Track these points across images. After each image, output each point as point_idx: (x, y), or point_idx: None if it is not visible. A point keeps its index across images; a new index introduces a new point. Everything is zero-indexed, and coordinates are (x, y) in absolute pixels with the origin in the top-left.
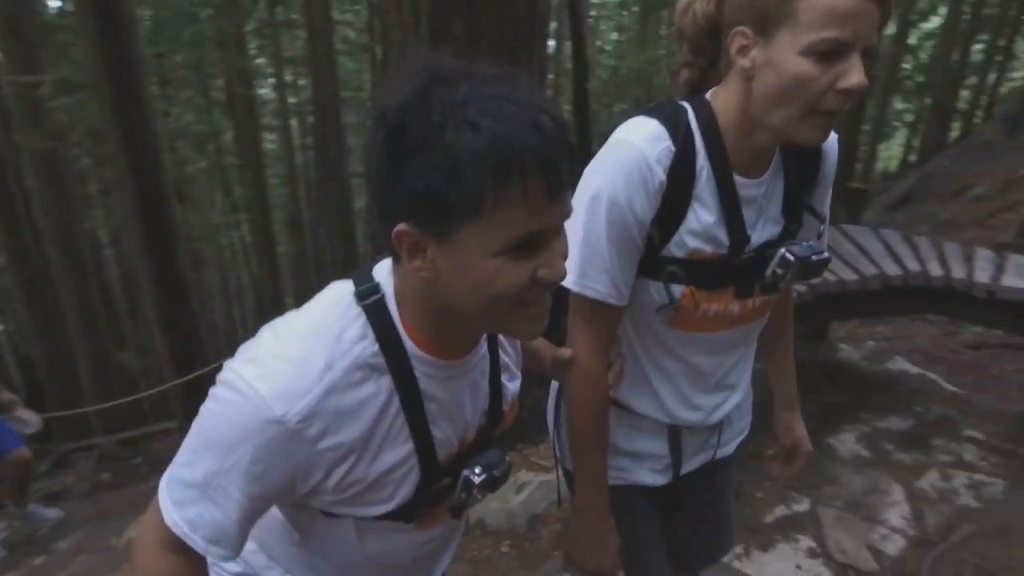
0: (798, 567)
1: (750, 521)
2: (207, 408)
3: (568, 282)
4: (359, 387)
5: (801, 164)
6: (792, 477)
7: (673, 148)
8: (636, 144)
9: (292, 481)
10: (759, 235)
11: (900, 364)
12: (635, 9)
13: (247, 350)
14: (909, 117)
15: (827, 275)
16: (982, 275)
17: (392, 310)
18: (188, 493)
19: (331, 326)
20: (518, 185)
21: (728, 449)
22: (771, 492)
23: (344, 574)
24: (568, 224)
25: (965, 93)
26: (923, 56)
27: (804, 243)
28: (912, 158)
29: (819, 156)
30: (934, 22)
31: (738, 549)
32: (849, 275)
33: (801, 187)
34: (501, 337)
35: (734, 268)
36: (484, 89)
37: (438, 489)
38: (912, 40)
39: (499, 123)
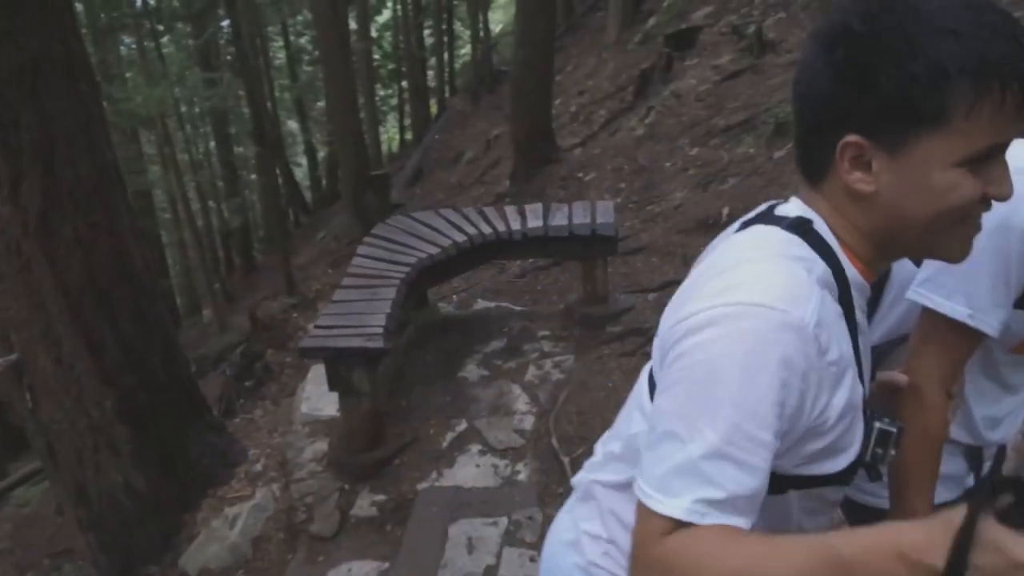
0: (477, 466)
1: (433, 450)
2: (691, 364)
3: (956, 311)
4: (830, 304)
5: None
6: None
7: None
8: None
9: (803, 412)
10: None
11: (481, 304)
12: None
13: (708, 293)
14: (393, 101)
15: (418, 252)
16: (515, 224)
17: (829, 237)
18: (693, 475)
19: (784, 251)
20: (997, 95)
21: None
22: (438, 426)
23: None
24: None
25: (431, 73)
26: (386, 46)
27: None
28: (408, 136)
29: None
30: (386, 15)
31: (432, 473)
32: (434, 249)
33: None
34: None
35: None
36: (966, 5)
37: (871, 446)
38: (374, 33)
39: (981, 31)
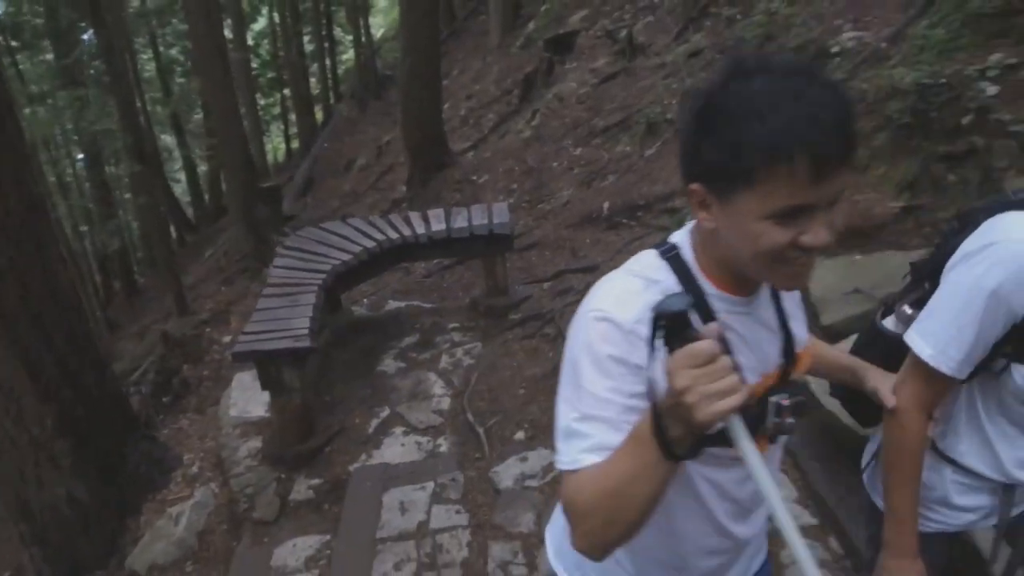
0: (402, 444)
1: (360, 437)
2: (565, 358)
3: (924, 351)
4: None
5: None
6: None
7: None
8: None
9: (634, 387)
10: None
11: (393, 304)
12: None
13: (594, 297)
14: (276, 110)
15: (332, 259)
16: (420, 228)
17: (689, 259)
18: (571, 436)
19: (635, 269)
20: (785, 168)
21: None
22: (363, 415)
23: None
24: (943, 292)
25: (314, 80)
26: (263, 54)
27: None
28: (295, 145)
29: None
30: (261, 22)
31: (362, 456)
32: (346, 256)
33: None
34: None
35: None
36: (777, 84)
37: (751, 415)
38: (250, 41)
39: (780, 116)
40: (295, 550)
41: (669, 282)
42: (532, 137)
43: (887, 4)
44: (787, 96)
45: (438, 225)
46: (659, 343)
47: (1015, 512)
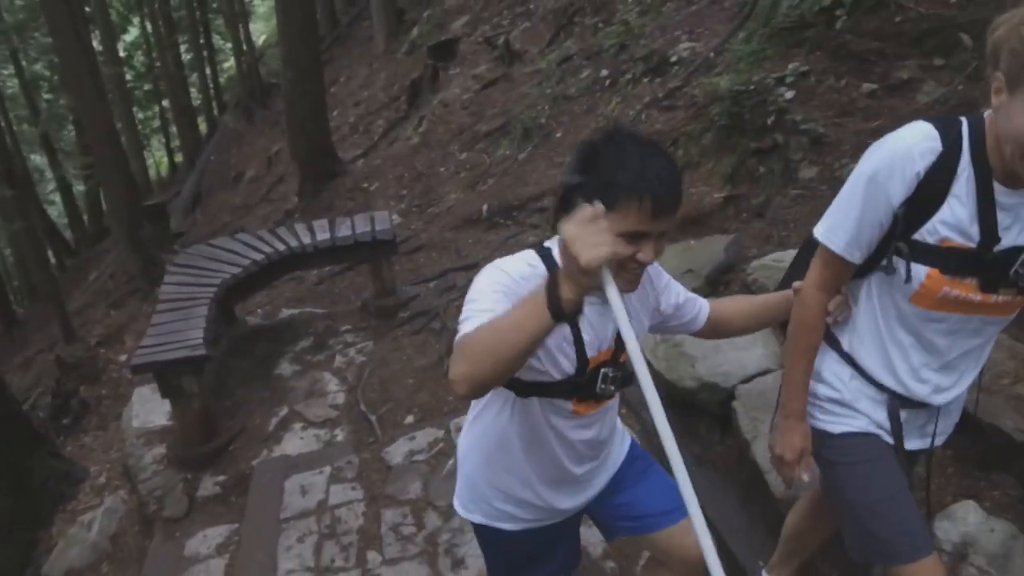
0: (301, 438)
1: (261, 435)
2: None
3: (817, 230)
4: (532, 283)
5: None
6: None
7: (940, 148)
8: (906, 139)
9: None
10: (1012, 238)
11: (286, 312)
12: None
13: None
14: (155, 123)
15: (222, 273)
16: (306, 238)
17: (558, 259)
18: (471, 319)
19: (523, 257)
20: (635, 204)
21: (939, 440)
22: (263, 415)
23: (535, 454)
24: (846, 183)
25: (194, 91)
26: (138, 65)
27: None
28: (178, 159)
29: None
30: (133, 33)
31: (263, 452)
32: (236, 269)
33: None
34: (632, 295)
35: (981, 262)
36: (636, 150)
37: (587, 377)
38: (122, 53)
39: (635, 169)
40: (206, 539)
41: (542, 268)
42: (420, 143)
43: (717, 18)
44: (644, 159)
45: (323, 235)
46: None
47: (909, 443)
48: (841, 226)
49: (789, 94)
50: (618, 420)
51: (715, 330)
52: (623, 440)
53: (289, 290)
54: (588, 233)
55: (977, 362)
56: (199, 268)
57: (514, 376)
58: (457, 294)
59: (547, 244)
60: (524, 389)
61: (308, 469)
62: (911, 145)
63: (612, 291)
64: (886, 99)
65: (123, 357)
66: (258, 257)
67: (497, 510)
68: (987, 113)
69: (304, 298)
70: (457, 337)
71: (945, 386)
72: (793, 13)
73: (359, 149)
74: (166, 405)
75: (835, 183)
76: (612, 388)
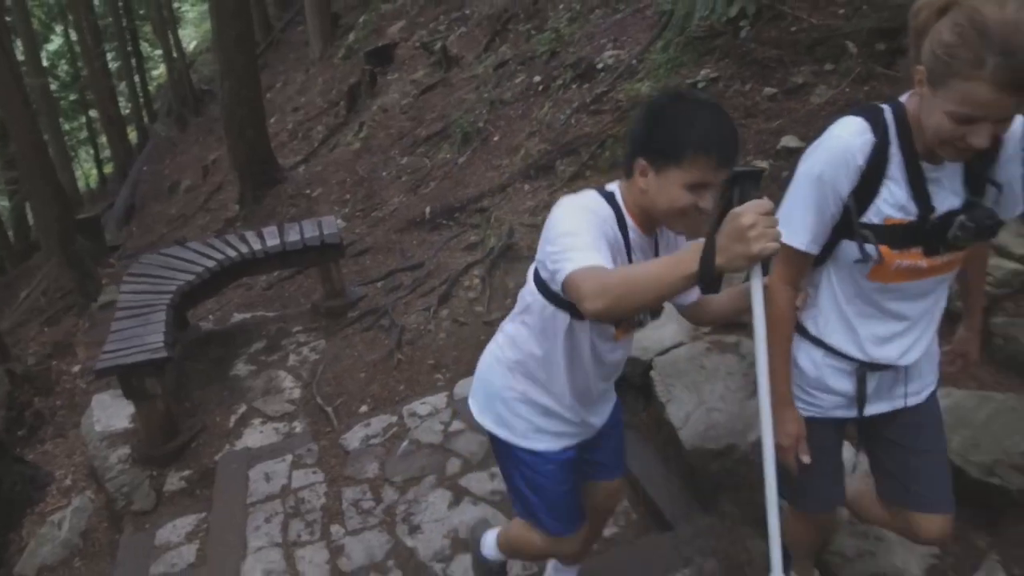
0: (261, 432)
1: (222, 432)
2: (551, 222)
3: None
4: (611, 224)
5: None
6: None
7: (873, 139)
8: (844, 137)
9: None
10: (943, 205)
11: (238, 317)
12: None
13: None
14: (82, 134)
15: (176, 280)
16: (256, 245)
17: (620, 203)
18: (577, 253)
19: (592, 195)
20: (703, 157)
21: (920, 397)
22: (223, 413)
23: (562, 372)
24: (792, 184)
25: (123, 100)
26: (62, 75)
27: (981, 210)
28: (109, 170)
29: (999, 142)
30: (56, 42)
31: (226, 447)
32: (190, 276)
33: (983, 166)
34: (661, 241)
35: (921, 231)
36: (702, 108)
37: None
38: (45, 63)
39: (703, 125)
40: (175, 529)
41: (606, 210)
42: (362, 148)
43: (639, 26)
44: (707, 115)
45: (273, 240)
46: (735, 193)
47: (880, 406)
48: (801, 225)
49: None
50: None
51: (695, 313)
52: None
53: (239, 296)
54: (764, 224)
55: (933, 318)
56: (154, 276)
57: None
58: (403, 292)
59: (609, 187)
60: (575, 310)
61: (270, 458)
62: (850, 143)
63: (757, 281)
64: (785, 101)
65: (76, 368)
66: (211, 264)
67: (528, 423)
68: (905, 98)
69: (254, 303)
70: (571, 269)
71: (911, 344)
72: (704, 24)
73: (300, 155)
74: (127, 409)
75: None
76: (646, 318)
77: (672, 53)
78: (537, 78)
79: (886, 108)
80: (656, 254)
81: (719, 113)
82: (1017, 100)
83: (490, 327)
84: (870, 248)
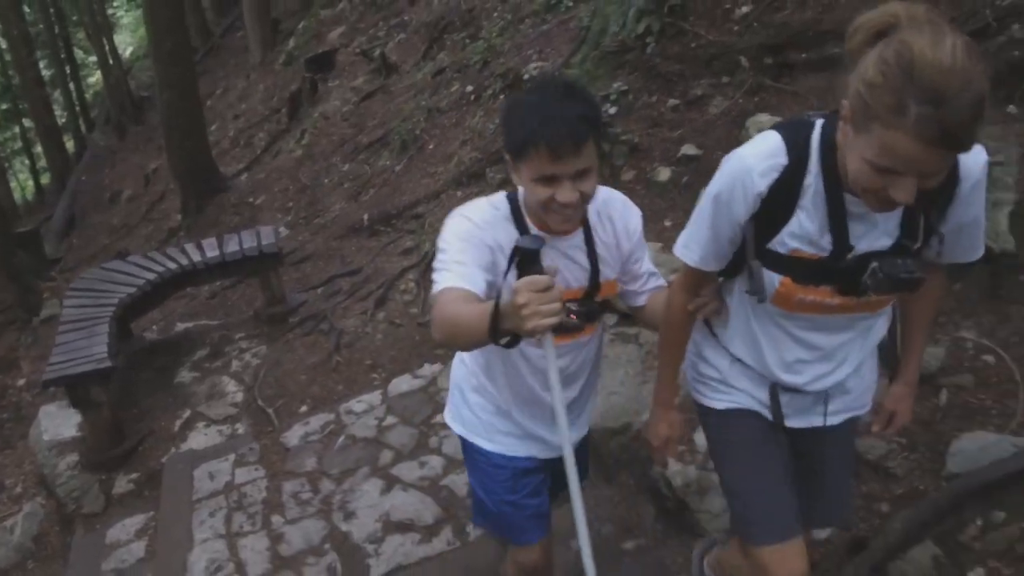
0: (205, 435)
1: (168, 436)
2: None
3: (677, 246)
4: (502, 228)
5: (933, 190)
6: (886, 437)
7: (785, 163)
8: (746, 159)
9: (485, 254)
10: (867, 244)
11: (181, 326)
12: None
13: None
14: (16, 144)
15: (118, 293)
16: (196, 256)
17: (521, 202)
18: (441, 271)
19: (491, 199)
20: (533, 150)
21: (835, 419)
22: (168, 418)
23: (511, 383)
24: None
25: (59, 108)
26: None
27: (900, 261)
28: (45, 181)
29: (954, 183)
30: None
31: (172, 450)
32: (131, 289)
33: (927, 208)
34: (599, 237)
35: (833, 269)
36: (536, 103)
37: None
38: None
39: (531, 120)
40: (125, 528)
41: (505, 210)
42: (304, 156)
43: (563, 38)
44: (543, 108)
45: (212, 251)
46: (513, 269)
47: (800, 420)
48: (695, 241)
49: (613, 110)
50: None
51: (644, 317)
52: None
53: (182, 306)
54: (538, 301)
55: (860, 348)
56: (96, 290)
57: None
58: (342, 298)
59: (520, 192)
60: None
61: (214, 458)
62: (751, 166)
63: (550, 353)
64: (686, 112)
65: (21, 382)
66: (151, 276)
67: (483, 424)
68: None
69: (198, 312)
70: (433, 289)
71: (824, 373)
72: (616, 39)
73: (242, 163)
74: (74, 418)
75: (648, 183)
76: (574, 320)
77: (588, 66)
78: (470, 87)
79: (817, 126)
80: (591, 253)
81: (552, 106)
82: (944, 155)
83: (424, 328)
84: (772, 277)
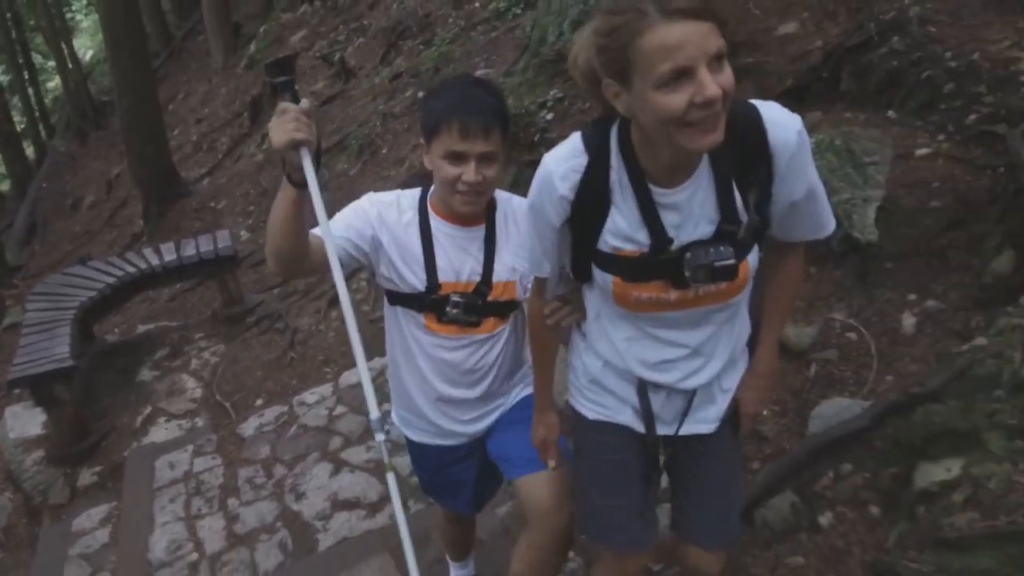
0: (166, 429)
1: (130, 431)
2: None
3: (515, 260)
4: (406, 213)
5: (744, 168)
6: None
7: (586, 161)
8: (548, 163)
9: (373, 241)
10: (688, 235)
11: (142, 328)
12: None
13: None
14: None
15: (79, 297)
16: (154, 260)
17: (429, 194)
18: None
19: (372, 197)
20: (445, 126)
21: (710, 427)
22: (130, 415)
23: (414, 376)
24: None
25: (17, 115)
26: None
27: (713, 248)
28: (4, 188)
29: (767, 159)
30: None
31: (134, 444)
32: (92, 293)
33: (743, 189)
34: (502, 238)
35: (657, 264)
36: (454, 86)
37: (434, 298)
38: None
39: (447, 99)
40: (90, 517)
41: (412, 198)
42: (265, 160)
43: (509, 46)
44: (454, 91)
45: (170, 256)
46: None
47: (673, 426)
48: (525, 249)
49: (549, 116)
50: (525, 371)
51: None
52: (522, 388)
53: (143, 309)
54: (278, 123)
55: (727, 342)
56: (57, 294)
57: (383, 286)
58: (297, 298)
59: (432, 188)
60: (389, 297)
61: (175, 450)
62: (552, 171)
63: (309, 171)
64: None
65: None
66: (110, 280)
67: (401, 416)
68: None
69: (158, 314)
70: None
71: (695, 369)
72: (554, 48)
73: (204, 168)
74: (39, 418)
75: None
76: (457, 312)
77: (529, 74)
78: (423, 93)
79: (616, 122)
80: (488, 251)
81: (469, 89)
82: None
83: (375, 324)
84: (604, 276)
